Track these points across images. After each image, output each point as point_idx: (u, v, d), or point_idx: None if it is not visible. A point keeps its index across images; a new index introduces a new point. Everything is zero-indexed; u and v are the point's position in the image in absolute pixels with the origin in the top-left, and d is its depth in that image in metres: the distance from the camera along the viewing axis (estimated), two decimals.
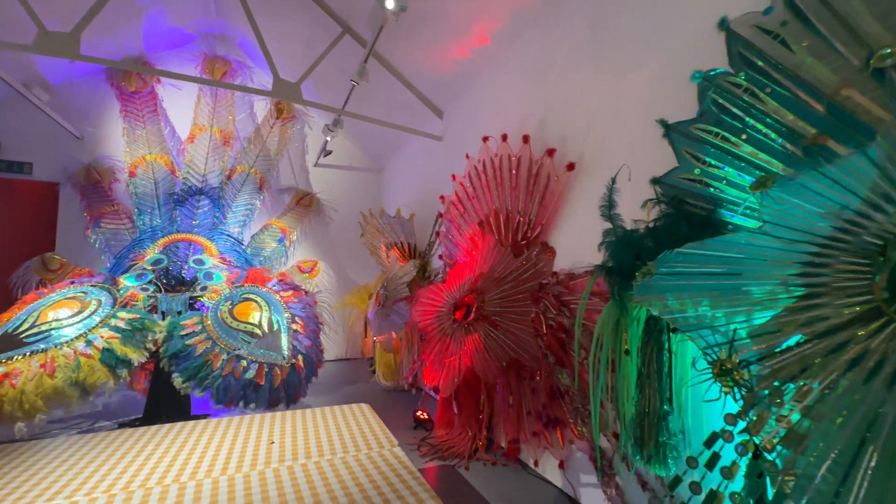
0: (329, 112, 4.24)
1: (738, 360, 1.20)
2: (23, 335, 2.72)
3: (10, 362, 2.51)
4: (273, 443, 2.02)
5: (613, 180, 1.82)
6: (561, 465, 2.39)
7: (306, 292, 3.96)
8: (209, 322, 3.25)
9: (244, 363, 3.02)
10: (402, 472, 1.70)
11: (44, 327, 2.80)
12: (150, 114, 4.81)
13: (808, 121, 1.25)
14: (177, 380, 2.91)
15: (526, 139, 2.73)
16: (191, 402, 3.42)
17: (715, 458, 1.26)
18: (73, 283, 3.40)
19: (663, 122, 1.68)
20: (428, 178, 4.77)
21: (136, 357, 2.86)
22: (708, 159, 1.52)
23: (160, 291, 3.71)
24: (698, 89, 1.56)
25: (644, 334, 1.60)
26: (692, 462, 1.30)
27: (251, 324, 3.33)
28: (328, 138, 5.19)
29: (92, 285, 3.36)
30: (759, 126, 1.36)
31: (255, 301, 3.55)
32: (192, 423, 2.40)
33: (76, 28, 2.82)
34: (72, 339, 2.76)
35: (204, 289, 3.86)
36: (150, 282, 3.75)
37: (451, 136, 4.19)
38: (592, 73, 2.38)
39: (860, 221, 1.05)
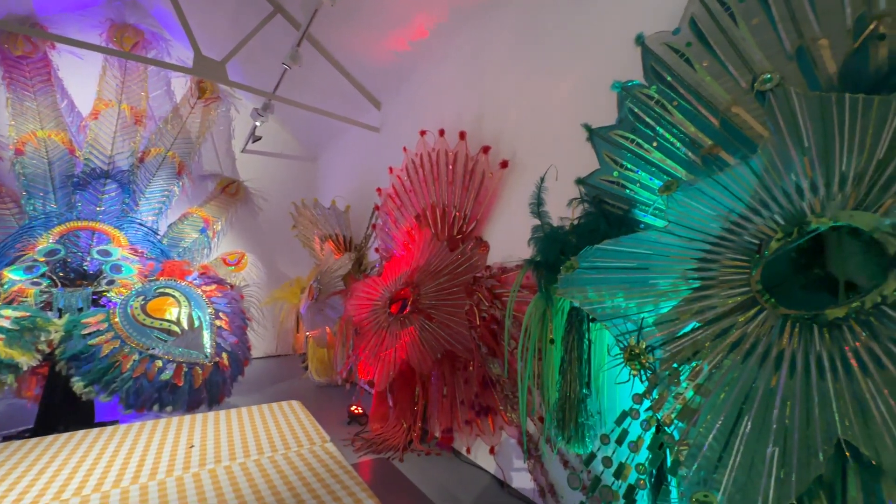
0: (258, 95, 3.99)
1: (644, 346, 1.34)
2: None
3: None
4: (192, 446, 1.89)
5: (542, 179, 1.92)
6: (492, 451, 2.50)
7: (232, 286, 3.73)
8: (117, 319, 2.94)
9: (159, 363, 2.79)
10: (334, 468, 1.68)
11: None
12: (41, 83, 4.17)
13: (706, 133, 1.42)
14: (77, 384, 2.61)
15: (462, 136, 2.78)
16: (94, 409, 3.09)
17: (624, 434, 1.40)
18: None
19: (587, 127, 1.80)
20: (365, 169, 4.68)
21: (26, 360, 2.51)
22: (625, 163, 1.66)
23: (56, 286, 3.28)
24: (618, 98, 1.70)
25: (567, 324, 1.72)
26: (604, 439, 1.43)
27: (168, 320, 3.07)
28: (257, 123, 4.87)
29: None
30: (668, 135, 1.52)
31: (173, 296, 3.27)
32: (96, 430, 2.15)
33: None
34: None
35: (111, 283, 3.48)
36: (42, 275, 3.30)
37: (389, 128, 4.14)
38: (525, 75, 2.48)
39: (742, 223, 1.21)
